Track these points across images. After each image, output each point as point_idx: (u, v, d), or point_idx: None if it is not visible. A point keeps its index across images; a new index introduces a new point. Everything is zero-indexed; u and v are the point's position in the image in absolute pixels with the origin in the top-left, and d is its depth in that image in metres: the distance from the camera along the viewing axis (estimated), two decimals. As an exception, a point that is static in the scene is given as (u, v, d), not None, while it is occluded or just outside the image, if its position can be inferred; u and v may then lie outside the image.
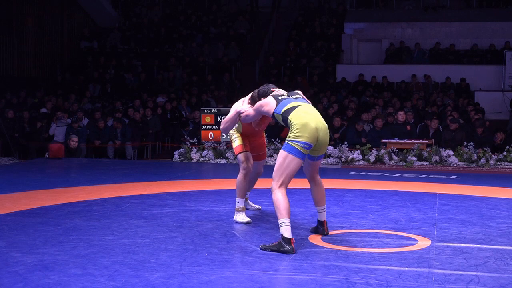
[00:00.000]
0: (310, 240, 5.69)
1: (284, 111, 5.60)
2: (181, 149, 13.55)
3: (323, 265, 4.86)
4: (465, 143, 12.97)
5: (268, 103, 5.78)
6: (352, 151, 12.98)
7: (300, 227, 6.29)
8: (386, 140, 13.39)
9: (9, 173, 10.98)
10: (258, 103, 5.93)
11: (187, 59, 21.17)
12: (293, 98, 5.77)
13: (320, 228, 5.98)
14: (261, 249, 5.33)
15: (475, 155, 12.62)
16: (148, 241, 5.56)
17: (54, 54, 21.40)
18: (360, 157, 12.88)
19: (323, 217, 5.95)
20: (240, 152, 6.58)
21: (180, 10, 24.46)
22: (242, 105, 6.36)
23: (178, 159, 13.40)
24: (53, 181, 9.75)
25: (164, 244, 5.47)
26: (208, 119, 13.19)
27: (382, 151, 12.90)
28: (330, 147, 13.04)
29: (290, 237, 5.26)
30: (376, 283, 4.40)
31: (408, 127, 14.10)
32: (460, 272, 4.70)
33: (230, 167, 12.33)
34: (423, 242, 5.67)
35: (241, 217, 6.55)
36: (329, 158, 12.88)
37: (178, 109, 17.26)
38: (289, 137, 5.50)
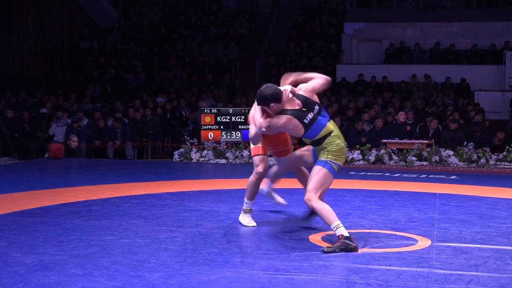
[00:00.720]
0: (310, 240, 5.69)
1: (318, 139, 5.67)
2: (181, 149, 13.55)
3: (323, 265, 4.86)
4: (465, 143, 12.97)
5: (290, 123, 5.59)
6: (352, 151, 12.97)
7: (299, 227, 6.29)
8: (386, 140, 13.39)
9: (9, 173, 10.97)
10: (277, 122, 5.63)
11: (187, 59, 21.17)
12: (318, 115, 5.63)
13: (311, 214, 6.20)
14: (326, 252, 5.25)
15: (475, 155, 12.62)
16: (148, 241, 5.56)
17: (54, 54, 21.39)
18: (360, 157, 12.87)
19: None
20: (256, 155, 6.28)
21: (180, 10, 24.46)
22: (255, 114, 5.89)
23: (178, 159, 13.39)
24: (53, 181, 9.75)
25: (164, 244, 5.47)
26: (208, 119, 13.22)
27: (382, 151, 12.89)
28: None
29: (346, 234, 5.32)
30: (376, 283, 4.40)
31: (408, 127, 14.11)
32: (460, 272, 4.70)
33: (230, 167, 12.34)
34: (423, 242, 5.66)
35: (246, 220, 6.38)
36: (329, 158, 12.85)
37: (178, 109, 17.26)
38: (329, 155, 5.64)
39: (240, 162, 12.88)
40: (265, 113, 5.81)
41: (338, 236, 5.33)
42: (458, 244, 5.60)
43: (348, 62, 21.66)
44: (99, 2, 22.80)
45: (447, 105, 16.77)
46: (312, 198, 5.55)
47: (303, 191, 8.38)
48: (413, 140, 13.30)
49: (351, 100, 17.43)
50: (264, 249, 5.34)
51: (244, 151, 13.04)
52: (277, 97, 5.60)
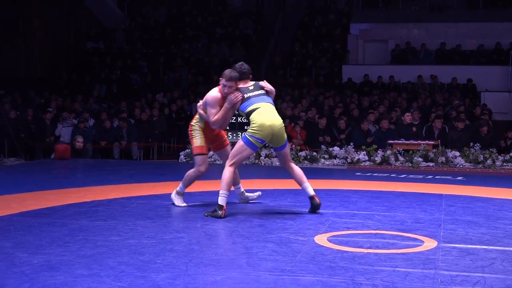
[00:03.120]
0: (315, 241, 5.68)
1: (248, 111, 6.82)
2: (187, 150, 13.55)
3: (329, 266, 4.85)
4: (471, 144, 12.94)
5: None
6: (358, 152, 12.96)
7: (305, 228, 6.29)
8: (392, 141, 13.37)
9: (16, 174, 11.00)
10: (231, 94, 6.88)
11: (192, 60, 21.19)
12: (256, 96, 6.88)
13: (313, 201, 6.98)
14: (205, 215, 6.71)
15: (481, 156, 12.59)
16: (154, 242, 5.56)
17: (60, 55, 21.43)
18: (366, 158, 12.86)
19: (310, 191, 6.97)
20: (199, 154, 7.19)
21: (186, 10, 24.49)
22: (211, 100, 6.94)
23: (184, 160, 13.39)
24: (59, 182, 9.76)
25: (170, 244, 5.47)
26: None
27: (388, 152, 12.87)
28: (336, 148, 13.03)
29: (224, 205, 6.65)
30: (382, 284, 4.39)
31: (414, 128, 14.08)
32: (466, 274, 4.68)
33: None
34: (429, 243, 5.65)
35: (178, 201, 7.42)
36: (335, 159, 12.86)
37: (184, 110, 17.27)
38: (247, 130, 6.80)
39: (246, 163, 12.86)
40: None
41: (217, 203, 6.66)
42: (465, 245, 5.58)
43: (354, 62, 21.65)
44: (106, 2, 22.84)
45: (455, 105, 16.72)
46: (226, 165, 6.82)
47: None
48: (419, 141, 13.28)
49: (352, 101, 17.33)
50: (270, 249, 5.34)
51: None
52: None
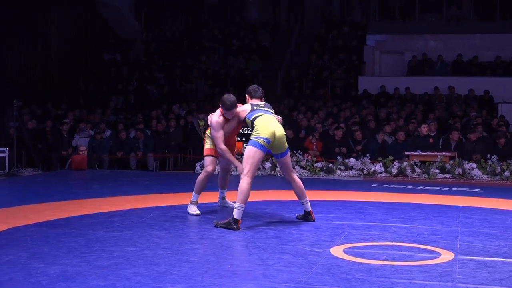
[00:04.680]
0: (331, 253, 5.66)
1: (253, 118, 7.11)
2: (203, 161, 13.54)
3: (345, 278, 4.83)
4: (488, 155, 12.86)
5: (245, 110, 7.28)
6: (374, 164, 12.92)
7: (322, 239, 6.27)
8: (409, 153, 13.31)
9: (33, 184, 11.07)
10: (239, 108, 7.40)
11: (209, 71, 21.25)
12: (263, 110, 7.19)
13: (308, 217, 7.29)
14: (214, 224, 6.79)
15: (499, 167, 12.50)
16: (170, 253, 5.57)
17: (77, 65, 21.55)
18: (382, 169, 12.82)
19: (308, 207, 7.28)
20: (208, 155, 7.65)
21: (203, 22, 24.57)
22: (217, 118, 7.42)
23: (200, 171, 13.38)
24: (76, 193, 9.81)
25: (186, 255, 5.47)
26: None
27: (405, 163, 12.82)
28: (352, 160, 13.00)
29: (239, 219, 6.65)
30: (398, 297, 4.37)
31: (431, 140, 14.01)
32: (483, 286, 4.65)
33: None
34: (446, 256, 5.62)
35: (192, 209, 7.68)
36: (351, 170, 12.83)
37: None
38: (252, 135, 6.98)
39: (262, 174, 12.86)
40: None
41: (232, 215, 6.66)
42: (482, 258, 5.54)
43: (370, 74, 21.59)
44: (122, 14, 22.97)
45: (472, 117, 16.62)
46: (243, 175, 6.85)
47: (325, 203, 8.42)
48: (436, 153, 13.21)
49: (368, 113, 17.27)
50: (286, 261, 5.33)
51: (266, 163, 13.03)
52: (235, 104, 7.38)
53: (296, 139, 14.27)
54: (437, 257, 5.56)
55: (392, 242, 6.21)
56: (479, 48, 21.18)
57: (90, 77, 21.57)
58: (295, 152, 13.04)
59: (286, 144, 7.17)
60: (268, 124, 7.00)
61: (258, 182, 11.62)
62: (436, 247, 5.98)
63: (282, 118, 7.64)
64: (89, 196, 9.29)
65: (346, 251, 5.73)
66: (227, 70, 21.31)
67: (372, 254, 5.62)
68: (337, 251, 5.74)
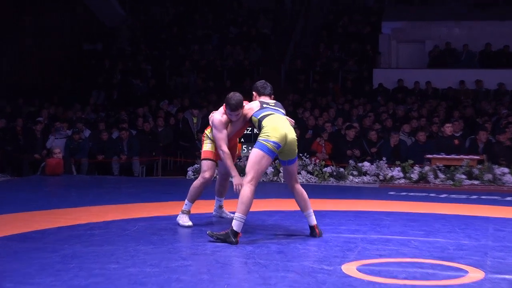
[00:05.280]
0: (343, 271, 5.63)
1: (261, 116, 7.02)
2: (196, 165, 13.55)
3: (359, 300, 4.80)
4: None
5: (253, 108, 7.20)
6: (392, 168, 12.91)
7: (332, 255, 6.24)
8: (431, 156, 13.31)
9: (0, 192, 11.04)
10: (246, 106, 7.32)
11: (202, 63, 21.25)
12: (273, 109, 7.12)
13: (313, 232, 7.10)
14: (208, 234, 6.71)
15: (534, 173, 12.50)
16: (157, 271, 5.54)
17: (53, 58, 21.53)
18: (401, 174, 12.81)
19: (312, 221, 7.12)
20: (206, 159, 7.57)
21: (196, 7, 24.59)
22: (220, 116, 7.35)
23: (192, 176, 13.38)
24: (50, 201, 9.81)
25: (176, 274, 5.45)
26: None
27: (426, 168, 12.82)
28: (367, 164, 12.99)
29: (239, 231, 6.60)
30: (420, 322, 4.34)
31: (456, 141, 14.00)
32: (518, 310, 4.62)
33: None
34: (474, 274, 5.59)
35: (184, 219, 7.63)
36: (365, 176, 12.83)
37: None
38: (260, 136, 6.88)
39: (263, 180, 12.84)
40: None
41: (230, 227, 6.57)
42: (516, 277, 5.52)
43: (386, 66, 21.63)
44: (106, -1, 23.01)
45: (502, 115, 16.61)
46: (245, 182, 6.77)
47: (335, 214, 8.40)
48: (461, 156, 13.20)
49: (385, 110, 17.29)
50: (291, 280, 5.30)
51: (269, 167, 13.01)
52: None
53: (302, 141, 14.26)
54: (464, 276, 5.54)
55: (412, 258, 6.19)
56: (510, 36, 21.16)
57: (67, 69, 21.58)
58: (301, 155, 13.02)
59: (296, 151, 7.06)
60: (278, 126, 6.89)
61: (259, 189, 11.58)
62: (463, 264, 5.96)
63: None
64: (65, 206, 9.27)
65: (359, 269, 5.70)
66: (223, 62, 21.33)
67: (390, 272, 5.60)
68: (350, 268, 5.72)
